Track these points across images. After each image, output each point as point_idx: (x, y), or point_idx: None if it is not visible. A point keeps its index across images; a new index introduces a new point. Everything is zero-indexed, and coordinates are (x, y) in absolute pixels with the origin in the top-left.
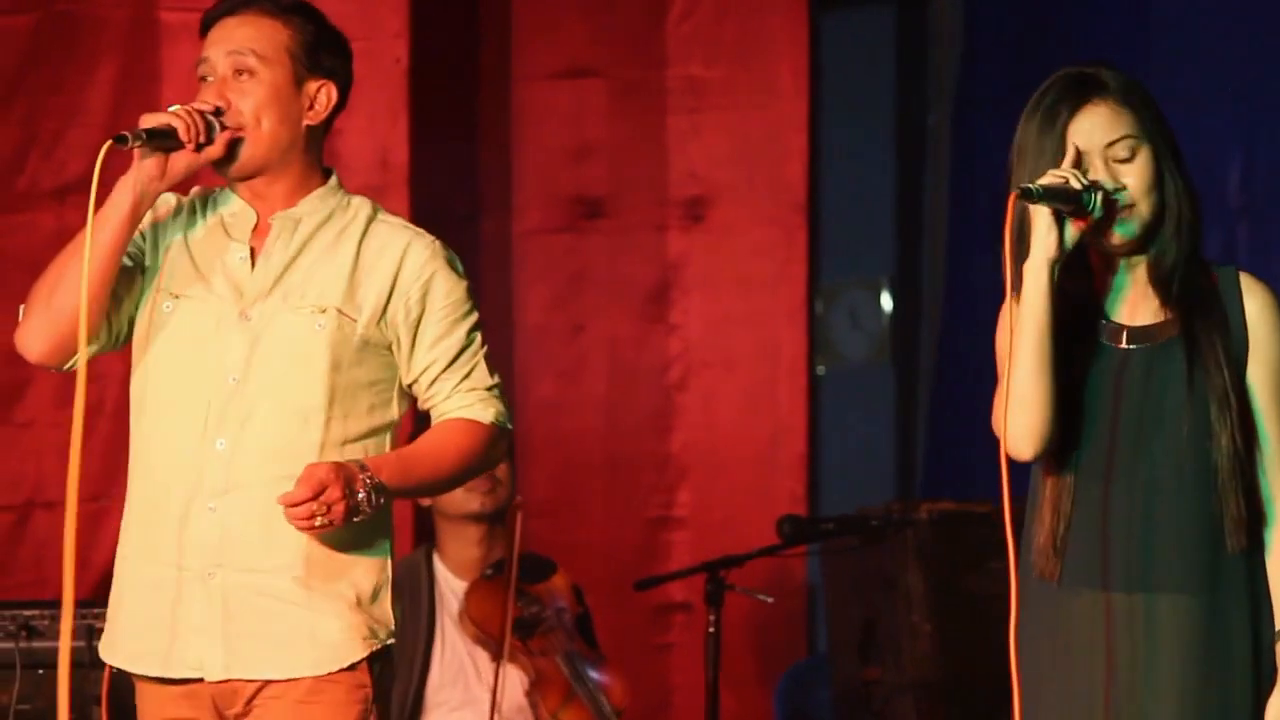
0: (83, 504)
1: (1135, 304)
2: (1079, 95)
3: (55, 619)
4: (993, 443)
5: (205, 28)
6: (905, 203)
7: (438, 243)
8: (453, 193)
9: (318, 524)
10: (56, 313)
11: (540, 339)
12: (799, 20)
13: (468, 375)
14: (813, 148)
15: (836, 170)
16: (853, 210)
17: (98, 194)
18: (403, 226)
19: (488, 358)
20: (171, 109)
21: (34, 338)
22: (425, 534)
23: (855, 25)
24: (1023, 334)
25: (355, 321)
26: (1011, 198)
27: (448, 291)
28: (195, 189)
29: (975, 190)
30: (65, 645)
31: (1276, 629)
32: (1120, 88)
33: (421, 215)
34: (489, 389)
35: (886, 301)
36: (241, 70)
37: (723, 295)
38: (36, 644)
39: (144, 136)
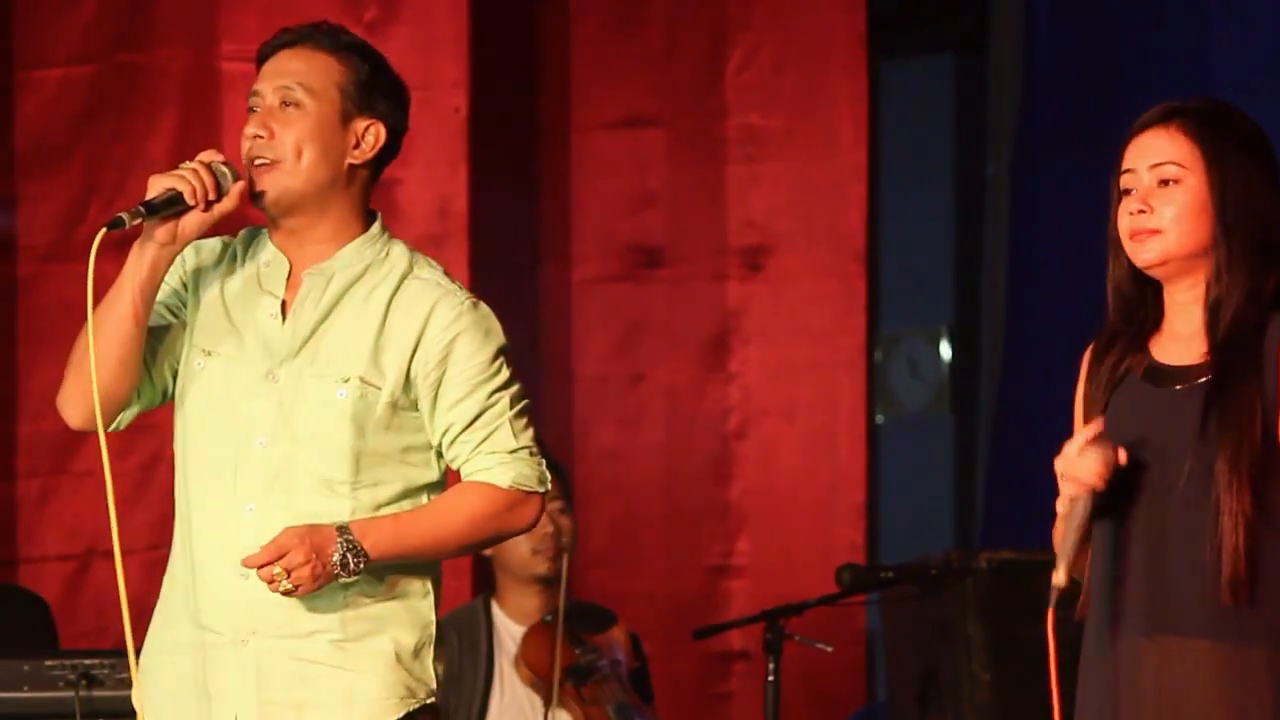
0: (142, 552)
1: (1183, 344)
2: (1149, 120)
3: (115, 668)
4: (1050, 491)
5: (261, 60)
6: (964, 251)
7: (468, 302)
8: (512, 242)
9: (281, 588)
10: (85, 383)
11: (599, 388)
12: (858, 70)
13: (488, 437)
14: (872, 197)
15: (896, 219)
16: (912, 259)
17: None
18: (435, 284)
19: (517, 420)
20: (181, 167)
21: (69, 406)
22: (483, 583)
23: (914, 75)
24: (1062, 533)
25: (379, 389)
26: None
27: (470, 355)
28: (242, 231)
29: (1035, 238)
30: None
31: None
32: (1190, 117)
33: (481, 264)
34: (512, 452)
35: (946, 350)
36: (288, 102)
37: (782, 344)
38: (97, 693)
39: (143, 213)
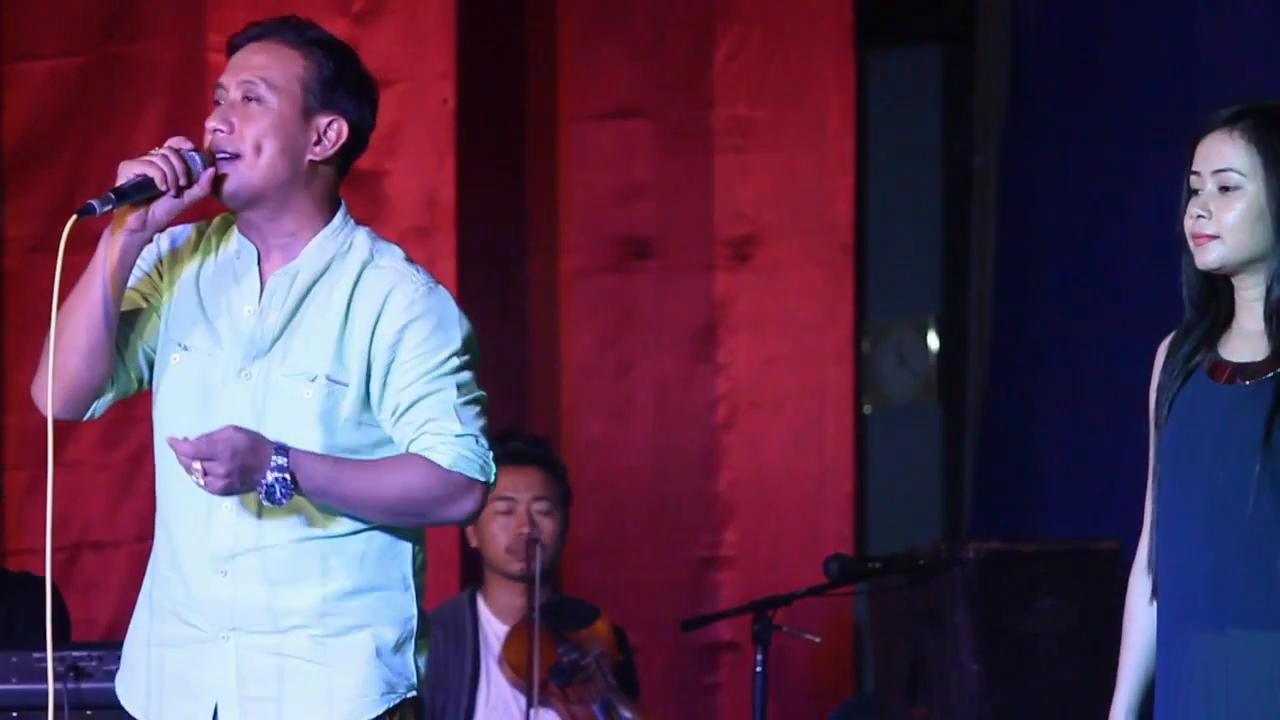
0: (130, 544)
1: (1250, 341)
2: (1211, 123)
3: (104, 660)
4: (1038, 482)
5: (230, 53)
6: (952, 241)
7: (424, 287)
8: (500, 233)
9: (194, 479)
10: (59, 371)
11: (588, 379)
12: (845, 60)
13: (433, 419)
14: (859, 187)
15: (883, 209)
16: (900, 249)
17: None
18: (392, 270)
19: (466, 408)
20: (151, 153)
21: (43, 393)
22: (470, 575)
23: (902, 64)
24: None
25: (346, 386)
26: None
27: (420, 341)
28: (216, 219)
29: (1022, 228)
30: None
31: None
32: (1254, 121)
33: (469, 256)
34: (457, 436)
35: (933, 340)
36: (250, 97)
37: (770, 335)
38: (85, 685)
39: (114, 199)
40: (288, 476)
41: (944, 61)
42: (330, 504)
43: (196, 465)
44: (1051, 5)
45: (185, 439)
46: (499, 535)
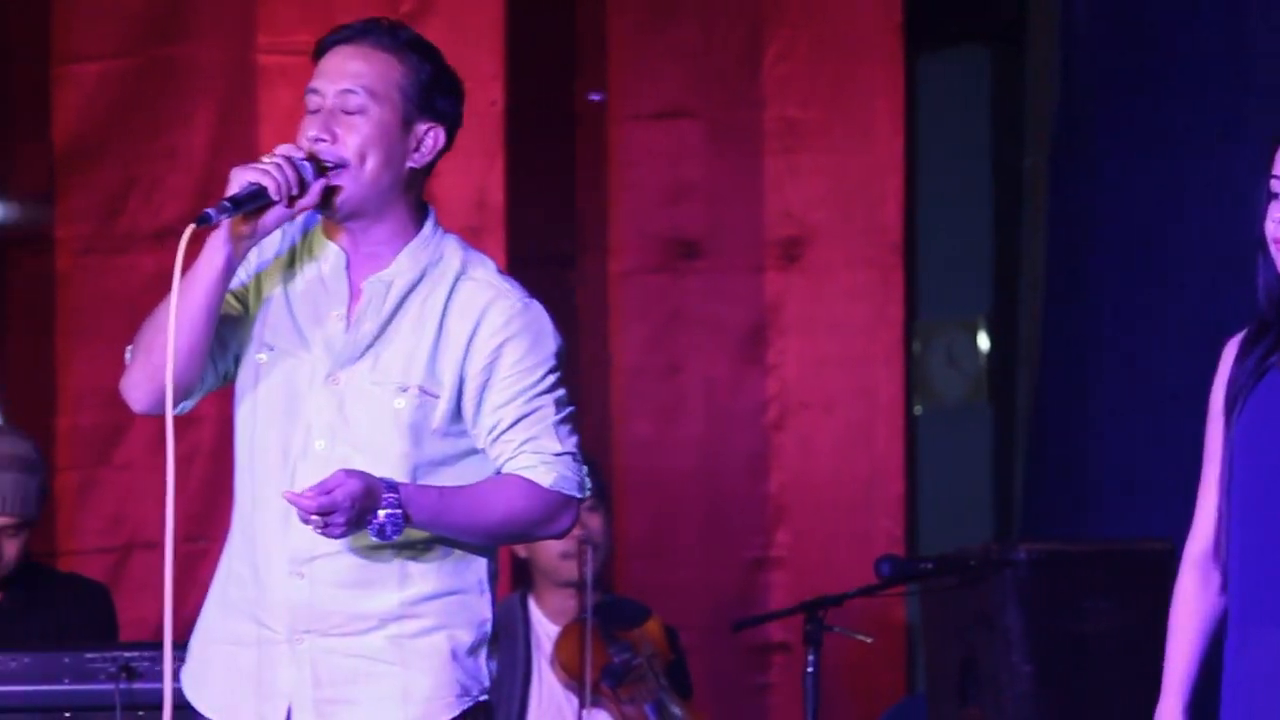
0: (180, 545)
1: None
2: None
3: (155, 660)
4: (1089, 482)
5: (319, 53)
6: (1002, 242)
7: (520, 304)
8: (549, 234)
9: (316, 530)
10: (154, 369)
11: (637, 379)
12: (895, 62)
13: (532, 439)
14: (909, 188)
15: (933, 210)
16: (949, 250)
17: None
18: (488, 284)
19: (562, 425)
20: (265, 160)
21: (135, 390)
22: (520, 578)
23: (951, 67)
24: None
25: (438, 398)
26: None
27: (518, 359)
28: (298, 219)
29: (1073, 229)
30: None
31: None
32: None
33: (518, 256)
34: (556, 454)
35: (984, 341)
36: (351, 106)
37: (819, 336)
38: (137, 685)
39: (229, 208)
40: (400, 514)
41: (993, 63)
42: (436, 533)
43: (315, 516)
44: (1101, 6)
45: (304, 493)
46: (551, 543)
